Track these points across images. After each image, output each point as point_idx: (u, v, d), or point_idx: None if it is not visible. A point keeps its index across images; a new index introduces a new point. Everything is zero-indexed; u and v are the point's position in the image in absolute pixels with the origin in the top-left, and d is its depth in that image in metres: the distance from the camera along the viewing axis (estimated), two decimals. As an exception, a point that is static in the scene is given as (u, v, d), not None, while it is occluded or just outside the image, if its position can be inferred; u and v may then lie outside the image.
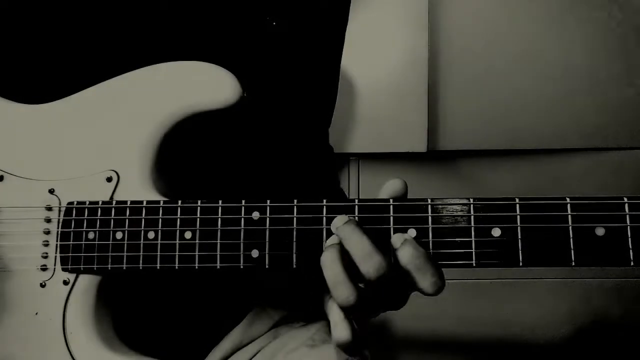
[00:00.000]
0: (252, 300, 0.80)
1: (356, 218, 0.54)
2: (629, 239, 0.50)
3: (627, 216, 0.50)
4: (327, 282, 0.51)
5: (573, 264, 0.50)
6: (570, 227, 0.51)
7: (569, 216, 0.51)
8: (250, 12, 0.74)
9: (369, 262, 0.50)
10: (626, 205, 0.50)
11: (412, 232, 0.54)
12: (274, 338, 0.78)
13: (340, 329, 0.52)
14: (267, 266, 0.56)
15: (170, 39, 0.72)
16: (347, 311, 0.52)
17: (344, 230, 0.52)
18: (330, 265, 0.51)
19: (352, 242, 0.51)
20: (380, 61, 1.43)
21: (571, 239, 0.51)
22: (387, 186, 0.55)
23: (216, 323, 0.78)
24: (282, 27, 0.75)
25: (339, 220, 0.53)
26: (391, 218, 0.54)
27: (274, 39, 0.75)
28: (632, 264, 0.50)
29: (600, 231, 0.50)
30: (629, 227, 0.50)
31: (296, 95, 0.80)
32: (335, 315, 0.53)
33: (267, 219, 0.57)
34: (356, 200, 0.55)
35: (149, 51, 0.70)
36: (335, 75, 0.87)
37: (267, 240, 0.56)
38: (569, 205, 0.51)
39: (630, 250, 0.50)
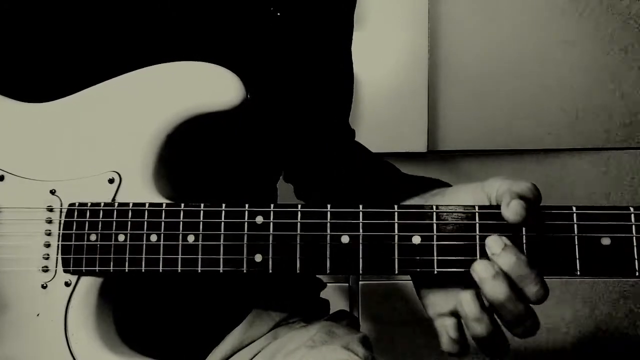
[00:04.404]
0: (253, 301, 0.80)
1: (361, 221, 0.54)
2: (635, 249, 0.50)
3: (633, 226, 0.50)
4: (494, 299, 0.50)
5: (578, 273, 0.50)
6: (575, 237, 0.51)
7: (575, 225, 0.51)
8: (253, 3, 0.74)
9: (536, 286, 0.50)
10: (632, 215, 0.50)
11: (416, 239, 0.53)
12: (274, 339, 0.78)
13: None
14: (270, 271, 0.56)
15: (173, 35, 0.71)
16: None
17: (506, 259, 0.51)
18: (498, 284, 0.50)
19: (514, 270, 0.51)
20: (380, 61, 1.43)
21: (577, 248, 0.51)
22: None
23: (217, 324, 0.78)
24: (287, 17, 0.75)
25: (497, 247, 0.51)
26: (396, 225, 0.54)
27: (279, 30, 0.75)
28: (637, 274, 0.50)
29: (606, 241, 0.50)
30: (634, 237, 0.50)
31: (306, 89, 0.80)
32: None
33: (271, 223, 0.57)
34: (361, 207, 0.55)
35: (151, 48, 0.70)
36: (349, 64, 0.87)
37: (270, 244, 0.56)
38: (575, 215, 0.51)
39: (636, 261, 0.50)
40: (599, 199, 1.55)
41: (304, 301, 0.85)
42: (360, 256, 0.54)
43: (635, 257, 0.50)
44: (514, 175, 0.55)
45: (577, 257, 0.50)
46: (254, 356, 0.77)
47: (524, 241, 0.52)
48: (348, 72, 0.88)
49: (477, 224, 0.53)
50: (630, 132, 1.53)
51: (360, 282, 1.58)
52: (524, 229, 0.52)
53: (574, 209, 0.51)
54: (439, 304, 0.57)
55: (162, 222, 0.59)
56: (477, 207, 0.53)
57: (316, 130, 0.83)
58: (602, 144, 1.53)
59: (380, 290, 1.58)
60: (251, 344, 0.78)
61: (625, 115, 1.52)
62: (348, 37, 0.86)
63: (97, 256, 0.60)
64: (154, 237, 0.59)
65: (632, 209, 0.50)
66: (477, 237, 0.52)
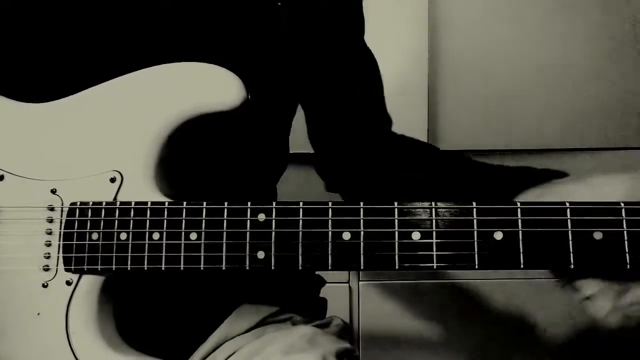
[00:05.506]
0: (245, 297, 0.80)
1: (362, 218, 0.55)
2: (626, 243, 0.51)
3: (624, 221, 0.51)
4: None
5: (572, 266, 0.52)
6: (569, 231, 0.52)
7: (569, 220, 0.52)
8: (256, 2, 0.74)
9: None
10: (623, 210, 0.51)
11: (416, 236, 0.54)
12: (257, 338, 0.77)
13: None
14: (273, 267, 0.57)
15: (173, 35, 0.72)
16: None
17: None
18: None
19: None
20: (380, 61, 1.42)
21: (570, 243, 0.52)
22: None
23: (212, 321, 0.78)
24: (292, 10, 0.76)
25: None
26: (396, 221, 0.55)
27: (283, 25, 0.76)
28: (628, 267, 0.51)
29: (598, 235, 0.51)
30: (625, 231, 0.51)
31: (319, 86, 0.80)
32: None
33: (273, 220, 0.57)
34: (361, 203, 0.56)
35: (152, 48, 0.70)
36: (364, 55, 0.86)
37: (272, 241, 0.57)
38: (568, 210, 0.52)
39: (627, 254, 0.51)
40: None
41: (300, 298, 0.85)
42: (362, 252, 0.55)
43: (626, 250, 0.51)
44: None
45: (571, 250, 0.52)
46: (235, 352, 0.76)
47: (520, 237, 0.53)
48: (364, 63, 0.87)
49: (475, 220, 0.54)
50: (631, 132, 1.53)
51: (360, 282, 1.58)
52: (520, 224, 0.53)
53: (567, 204, 0.53)
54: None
55: (165, 221, 0.60)
56: (474, 204, 0.54)
57: (343, 127, 0.82)
58: (602, 144, 1.53)
59: (380, 290, 1.58)
60: (236, 337, 0.77)
61: (626, 115, 1.52)
62: (359, 29, 0.85)
63: (99, 255, 0.61)
64: (156, 236, 0.60)
65: (622, 204, 0.52)
66: (475, 233, 0.53)
